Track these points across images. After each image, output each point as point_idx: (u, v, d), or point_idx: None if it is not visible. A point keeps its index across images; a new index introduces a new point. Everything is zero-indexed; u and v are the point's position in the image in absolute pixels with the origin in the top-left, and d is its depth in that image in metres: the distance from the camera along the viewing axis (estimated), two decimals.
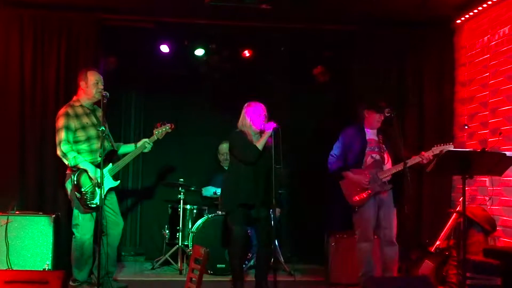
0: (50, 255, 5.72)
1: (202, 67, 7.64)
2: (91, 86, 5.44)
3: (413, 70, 6.91)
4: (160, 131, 5.64)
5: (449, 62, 6.93)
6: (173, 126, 5.70)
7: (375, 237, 5.69)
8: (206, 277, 6.32)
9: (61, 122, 5.35)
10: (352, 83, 6.95)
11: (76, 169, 5.30)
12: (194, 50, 7.43)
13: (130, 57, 7.30)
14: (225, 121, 6.77)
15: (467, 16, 6.59)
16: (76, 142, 5.36)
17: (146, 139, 5.64)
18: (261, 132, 5.41)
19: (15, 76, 6.36)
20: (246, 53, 7.57)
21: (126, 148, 5.72)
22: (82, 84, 5.50)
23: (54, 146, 6.14)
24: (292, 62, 7.77)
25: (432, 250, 5.81)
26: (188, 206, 7.00)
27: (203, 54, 7.48)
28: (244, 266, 6.17)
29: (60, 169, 6.14)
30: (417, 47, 6.94)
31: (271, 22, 6.88)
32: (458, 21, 6.78)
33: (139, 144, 5.64)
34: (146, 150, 5.64)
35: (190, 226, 6.88)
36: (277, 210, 6.51)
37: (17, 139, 6.31)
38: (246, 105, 5.52)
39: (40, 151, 6.34)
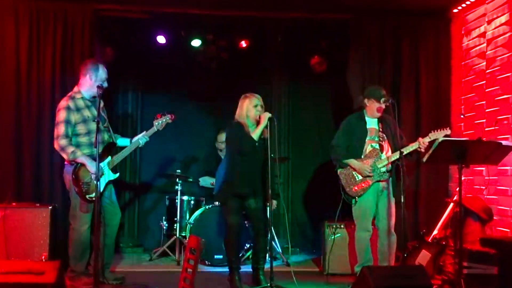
0: (47, 246, 5.72)
1: (199, 58, 7.61)
2: (99, 81, 5.30)
3: (410, 59, 6.87)
4: (159, 122, 5.59)
5: (446, 51, 6.91)
6: (173, 117, 5.65)
7: (373, 227, 5.69)
8: (204, 268, 6.35)
9: (61, 115, 5.25)
10: (348, 73, 6.92)
11: (75, 163, 5.27)
12: (191, 40, 7.38)
13: (126, 48, 7.28)
14: (222, 111, 6.76)
15: (464, 5, 6.58)
16: (76, 135, 5.30)
17: (141, 135, 5.61)
18: (258, 123, 5.40)
19: (11, 67, 6.34)
20: (243, 43, 7.53)
21: (122, 141, 5.68)
22: (89, 75, 5.32)
23: (50, 138, 6.15)
24: (289, 52, 7.75)
25: (429, 240, 5.83)
26: (185, 197, 7.01)
27: (200, 45, 7.44)
28: (240, 256, 6.18)
29: (57, 161, 6.14)
30: (414, 36, 6.91)
31: (267, 11, 6.85)
32: (455, 10, 6.76)
33: (134, 140, 5.62)
34: (140, 145, 5.62)
35: (187, 217, 6.88)
36: (274, 202, 6.51)
37: (13, 130, 6.30)
38: (242, 96, 5.52)
39: (36, 142, 6.32)
